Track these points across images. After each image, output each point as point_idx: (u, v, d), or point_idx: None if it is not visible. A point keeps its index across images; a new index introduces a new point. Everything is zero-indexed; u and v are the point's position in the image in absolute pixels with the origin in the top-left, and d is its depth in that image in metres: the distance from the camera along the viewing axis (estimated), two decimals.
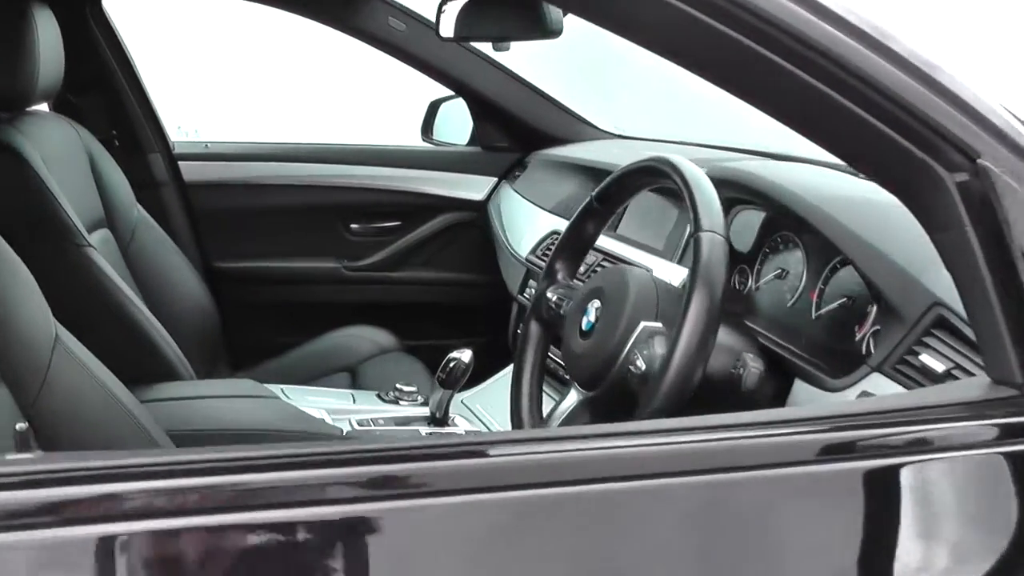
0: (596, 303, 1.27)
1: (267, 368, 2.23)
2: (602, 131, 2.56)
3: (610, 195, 1.37)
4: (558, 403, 1.30)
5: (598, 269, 1.79)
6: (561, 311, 1.39)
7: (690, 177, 1.17)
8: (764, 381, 1.15)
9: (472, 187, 2.57)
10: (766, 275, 1.47)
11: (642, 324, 1.19)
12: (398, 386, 1.83)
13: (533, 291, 1.90)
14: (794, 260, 1.42)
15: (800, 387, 1.22)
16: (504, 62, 2.42)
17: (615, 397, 1.20)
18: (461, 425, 1.75)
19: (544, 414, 1.40)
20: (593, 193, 1.39)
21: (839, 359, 1.26)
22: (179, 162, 2.35)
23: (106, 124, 2.19)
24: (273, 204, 2.46)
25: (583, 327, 1.27)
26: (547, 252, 1.94)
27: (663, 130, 2.51)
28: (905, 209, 1.24)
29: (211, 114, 3.77)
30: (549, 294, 1.42)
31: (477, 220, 2.56)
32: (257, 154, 2.48)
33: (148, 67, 2.29)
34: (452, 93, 2.60)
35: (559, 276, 1.44)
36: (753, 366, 1.13)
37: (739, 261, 1.53)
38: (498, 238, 2.28)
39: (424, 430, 1.70)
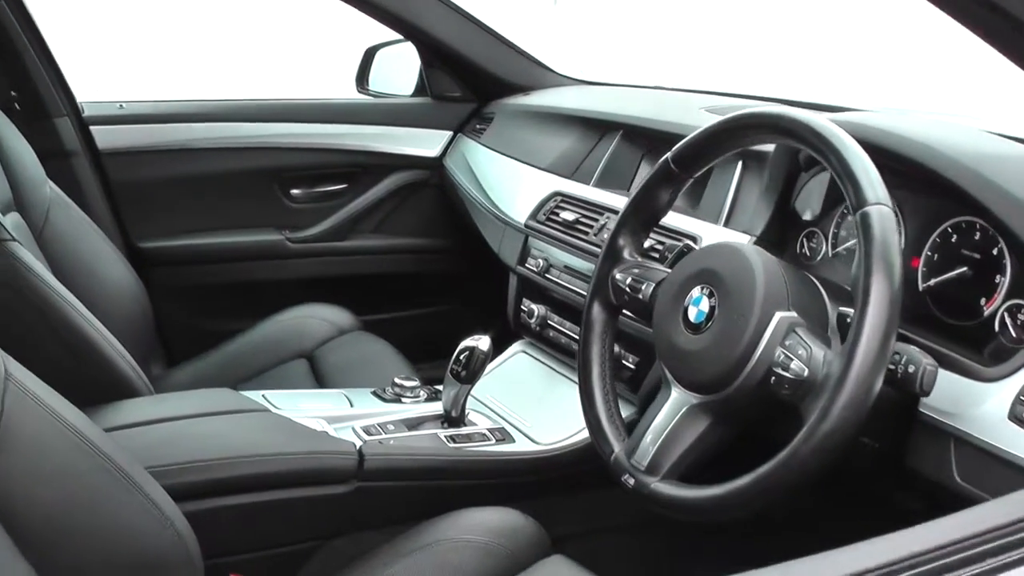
0: (706, 288, 1.06)
1: (209, 360, 1.95)
2: (564, 76, 2.35)
3: (693, 157, 1.16)
4: (655, 409, 1.09)
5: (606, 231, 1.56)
6: (639, 295, 1.18)
7: (833, 138, 0.97)
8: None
9: (424, 142, 2.33)
10: (846, 239, 1.30)
11: (777, 315, 0.99)
12: (397, 381, 1.59)
13: (540, 263, 1.69)
14: None
15: (941, 377, 1.06)
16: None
17: (751, 404, 1.01)
18: (480, 423, 1.53)
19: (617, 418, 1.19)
20: (669, 155, 1.17)
21: (969, 339, 1.10)
22: (91, 127, 2.01)
23: (4, 86, 1.82)
24: (201, 171, 2.15)
25: (691, 318, 1.06)
26: (551, 216, 1.71)
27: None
28: None
29: (133, 84, 3.28)
30: (618, 275, 1.21)
31: (432, 179, 2.33)
32: (179, 114, 2.14)
33: (56, 35, 1.91)
34: (390, 39, 2.33)
35: (625, 254, 1.22)
36: (927, 363, 0.94)
37: (806, 225, 1.36)
38: (472, 200, 2.03)
39: (443, 433, 1.47)
